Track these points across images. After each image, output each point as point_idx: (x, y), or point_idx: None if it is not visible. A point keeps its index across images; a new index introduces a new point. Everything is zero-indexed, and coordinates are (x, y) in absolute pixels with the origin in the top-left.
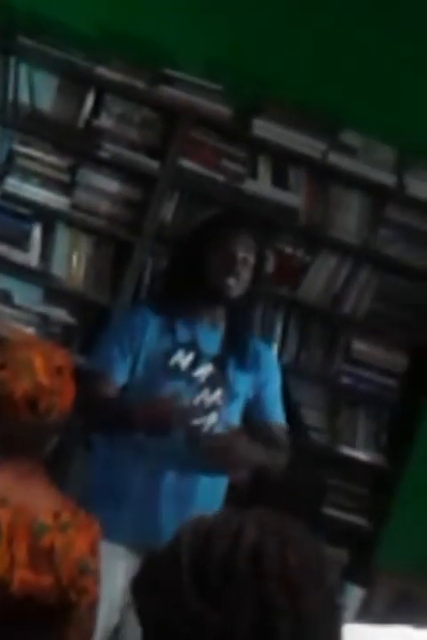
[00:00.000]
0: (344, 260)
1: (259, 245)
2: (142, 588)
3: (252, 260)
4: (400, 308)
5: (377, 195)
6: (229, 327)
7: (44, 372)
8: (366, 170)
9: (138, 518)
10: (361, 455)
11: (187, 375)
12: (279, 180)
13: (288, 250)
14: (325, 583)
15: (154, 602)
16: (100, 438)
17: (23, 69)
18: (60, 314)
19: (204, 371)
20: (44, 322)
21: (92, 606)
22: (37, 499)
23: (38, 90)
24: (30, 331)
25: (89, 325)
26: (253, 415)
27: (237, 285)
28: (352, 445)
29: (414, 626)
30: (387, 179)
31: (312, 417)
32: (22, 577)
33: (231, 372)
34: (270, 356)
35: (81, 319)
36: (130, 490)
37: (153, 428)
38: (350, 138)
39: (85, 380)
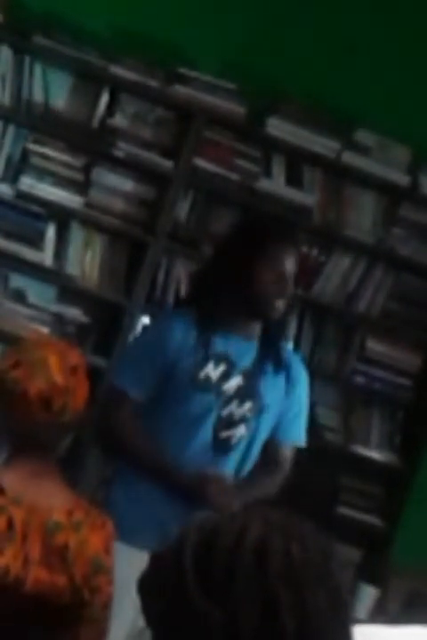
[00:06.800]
0: (358, 259)
1: (298, 253)
2: (148, 587)
3: (295, 270)
4: (414, 307)
5: (391, 194)
6: (264, 335)
7: (58, 371)
8: (380, 169)
9: (166, 525)
10: (375, 455)
11: (216, 388)
12: (293, 180)
13: (302, 249)
14: (331, 580)
15: (159, 600)
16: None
17: (38, 68)
18: (75, 313)
19: (233, 383)
20: (58, 321)
21: (106, 605)
22: (51, 497)
23: (53, 89)
24: (44, 330)
25: (103, 324)
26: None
27: (283, 304)
28: (366, 445)
29: None
30: (401, 178)
31: (326, 416)
32: (36, 576)
33: (262, 384)
34: (302, 372)
35: (95, 318)
36: (156, 498)
37: (185, 496)
38: (364, 137)
39: (107, 402)
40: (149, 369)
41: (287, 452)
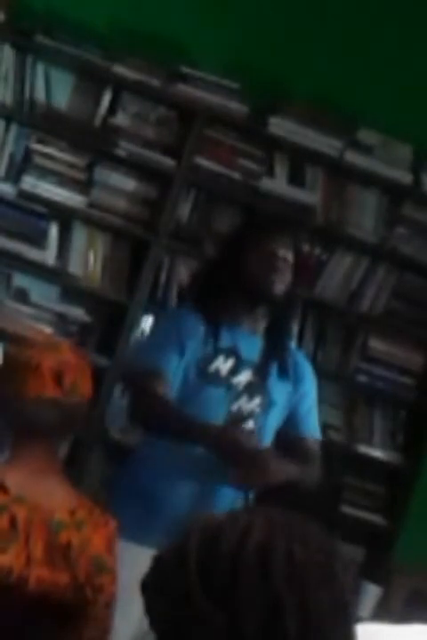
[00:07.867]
0: (361, 258)
1: (297, 246)
2: (151, 587)
3: (291, 259)
4: (417, 305)
5: (394, 193)
6: (270, 332)
7: (69, 352)
8: (382, 168)
9: (170, 523)
10: (378, 453)
11: (226, 381)
12: (296, 179)
13: (305, 248)
14: (334, 581)
15: (162, 601)
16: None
17: (40, 68)
18: (77, 312)
19: (243, 377)
20: (60, 320)
21: (109, 604)
22: (54, 496)
23: (55, 88)
24: (47, 329)
25: (106, 324)
26: (288, 429)
27: (279, 283)
28: (369, 443)
29: None
30: (403, 177)
31: (329, 415)
32: (39, 574)
33: (271, 380)
34: (308, 368)
35: (98, 317)
36: (159, 496)
37: (218, 453)
38: (366, 136)
39: (140, 379)
40: (173, 353)
41: (315, 446)
